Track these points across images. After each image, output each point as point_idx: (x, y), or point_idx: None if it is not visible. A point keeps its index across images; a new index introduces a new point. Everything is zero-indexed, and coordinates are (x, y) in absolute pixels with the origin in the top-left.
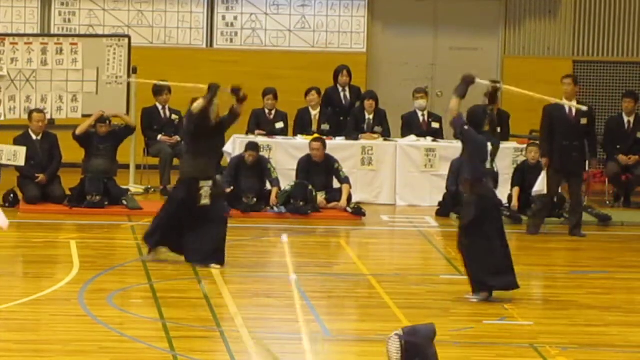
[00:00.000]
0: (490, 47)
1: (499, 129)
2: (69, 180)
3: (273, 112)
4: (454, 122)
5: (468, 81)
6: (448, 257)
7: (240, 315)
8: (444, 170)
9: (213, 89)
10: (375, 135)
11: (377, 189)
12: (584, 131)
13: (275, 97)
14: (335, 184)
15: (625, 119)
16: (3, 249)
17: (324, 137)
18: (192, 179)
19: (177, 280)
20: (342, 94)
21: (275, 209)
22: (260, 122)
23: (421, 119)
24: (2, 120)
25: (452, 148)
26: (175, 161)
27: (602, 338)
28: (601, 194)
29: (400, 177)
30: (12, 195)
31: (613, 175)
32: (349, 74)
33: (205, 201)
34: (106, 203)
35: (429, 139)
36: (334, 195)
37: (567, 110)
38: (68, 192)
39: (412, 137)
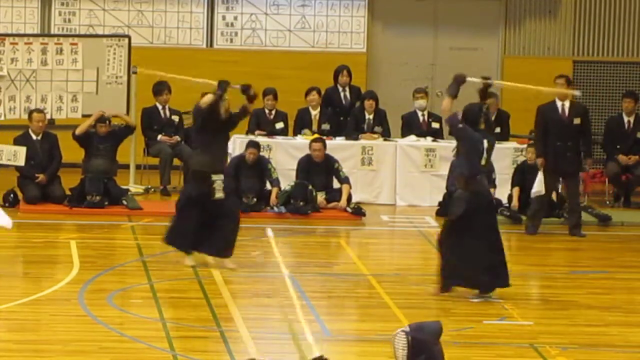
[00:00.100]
0: (490, 47)
1: (498, 129)
2: (69, 180)
3: (273, 112)
4: (449, 120)
5: (459, 80)
6: None
7: (240, 315)
8: (444, 170)
9: (223, 86)
10: (375, 135)
11: (377, 189)
12: (578, 131)
13: (275, 97)
14: (335, 184)
15: (625, 119)
16: (3, 249)
17: (324, 137)
18: (202, 173)
19: (177, 280)
20: (342, 94)
21: (275, 209)
22: (261, 122)
23: (421, 119)
24: (2, 120)
25: (452, 148)
26: (176, 161)
27: (602, 338)
28: (601, 194)
29: (400, 177)
30: (12, 195)
31: (613, 175)
32: (349, 74)
33: (219, 194)
34: (106, 203)
35: (429, 139)
36: (334, 195)
37: (560, 110)
38: (68, 192)
39: (412, 137)
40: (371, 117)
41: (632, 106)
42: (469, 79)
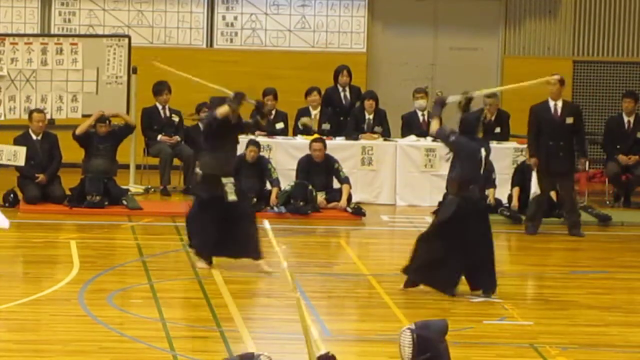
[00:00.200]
0: (490, 47)
1: (498, 129)
2: (69, 180)
3: (273, 112)
4: (438, 136)
5: (440, 102)
6: None
7: (240, 315)
8: (444, 170)
9: (238, 99)
10: (375, 135)
11: (377, 189)
12: (571, 130)
13: (275, 98)
14: (335, 184)
15: (625, 119)
16: (3, 249)
17: (324, 137)
18: (212, 176)
19: (177, 280)
20: (342, 94)
21: (276, 209)
22: None
23: (421, 119)
24: (2, 120)
25: (447, 151)
26: (176, 161)
27: (602, 338)
28: (601, 194)
29: (400, 177)
30: (12, 195)
31: (613, 175)
32: (349, 74)
33: (232, 197)
34: (106, 203)
35: (429, 139)
36: (334, 195)
37: (553, 109)
38: (68, 192)
39: (412, 137)
40: (371, 117)
41: (632, 106)
42: (448, 100)
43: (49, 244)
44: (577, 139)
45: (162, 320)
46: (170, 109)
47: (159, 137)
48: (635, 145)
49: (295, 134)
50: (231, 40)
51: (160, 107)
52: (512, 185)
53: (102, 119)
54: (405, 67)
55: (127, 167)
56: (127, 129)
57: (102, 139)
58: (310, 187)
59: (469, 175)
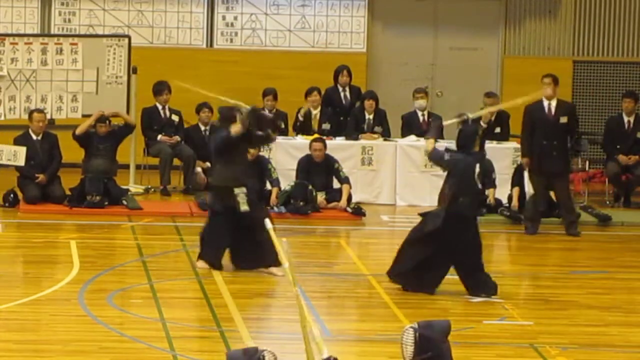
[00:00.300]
0: (490, 47)
1: (498, 129)
2: (69, 180)
3: (273, 112)
4: (432, 159)
5: (437, 127)
6: None
7: (240, 315)
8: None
9: (253, 115)
10: (375, 135)
11: (377, 189)
12: (565, 130)
13: (275, 98)
14: (335, 184)
15: (625, 119)
16: (3, 249)
17: (324, 137)
18: (224, 187)
19: (177, 280)
20: (342, 94)
21: (276, 209)
22: None
23: (421, 119)
24: (2, 120)
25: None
26: (176, 161)
27: (602, 338)
28: (601, 194)
29: (400, 177)
30: (12, 195)
31: (613, 175)
32: (349, 74)
33: (244, 207)
34: (106, 203)
35: None
36: (334, 195)
37: (547, 109)
38: (68, 192)
39: (412, 137)
40: (371, 117)
41: (632, 106)
42: (445, 123)
43: (49, 244)
44: (571, 138)
45: (162, 320)
46: (170, 109)
47: (159, 137)
48: (635, 145)
49: (295, 132)
50: (231, 40)
51: (160, 107)
52: (512, 185)
53: (102, 119)
54: (405, 67)
55: (127, 167)
56: (127, 129)
57: (102, 139)
58: (310, 187)
59: (461, 191)
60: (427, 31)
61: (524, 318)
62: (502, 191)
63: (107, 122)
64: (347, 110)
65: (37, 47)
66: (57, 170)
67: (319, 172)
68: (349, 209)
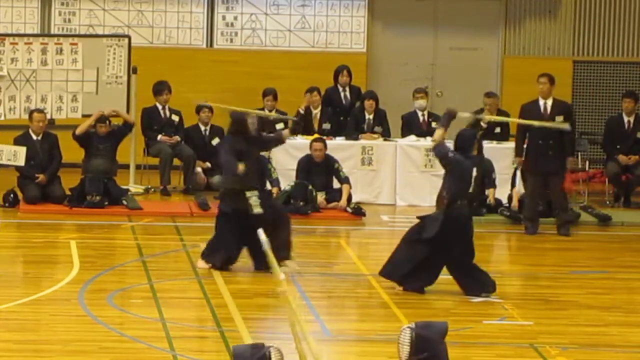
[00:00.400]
0: (490, 47)
1: (498, 129)
2: (69, 180)
3: (273, 112)
4: (437, 152)
5: (451, 115)
6: None
7: (240, 315)
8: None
9: (261, 120)
10: (375, 135)
11: (377, 189)
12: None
13: (275, 98)
14: (335, 184)
15: (625, 119)
16: (3, 249)
17: (324, 137)
18: (234, 190)
19: (177, 280)
20: (342, 94)
21: None
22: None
23: (421, 119)
24: (2, 120)
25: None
26: (176, 161)
27: (602, 338)
28: (601, 194)
29: (400, 177)
30: (12, 195)
31: (613, 175)
32: (349, 74)
33: (257, 210)
34: (106, 203)
35: (429, 139)
36: (334, 195)
37: (543, 108)
38: (68, 192)
39: (412, 137)
40: (371, 117)
41: (632, 106)
42: (459, 114)
43: (49, 244)
44: (566, 137)
45: (162, 320)
46: (170, 109)
47: (159, 137)
48: (635, 145)
49: (295, 133)
50: (231, 40)
51: (160, 107)
52: (512, 185)
53: (102, 119)
54: (405, 67)
55: (127, 167)
56: (126, 128)
57: (102, 139)
58: (310, 187)
59: (459, 193)
60: (427, 31)
61: (524, 318)
62: (502, 191)
63: (107, 122)
64: (347, 110)
65: (37, 47)
66: (57, 170)
67: (319, 172)
68: (349, 209)
